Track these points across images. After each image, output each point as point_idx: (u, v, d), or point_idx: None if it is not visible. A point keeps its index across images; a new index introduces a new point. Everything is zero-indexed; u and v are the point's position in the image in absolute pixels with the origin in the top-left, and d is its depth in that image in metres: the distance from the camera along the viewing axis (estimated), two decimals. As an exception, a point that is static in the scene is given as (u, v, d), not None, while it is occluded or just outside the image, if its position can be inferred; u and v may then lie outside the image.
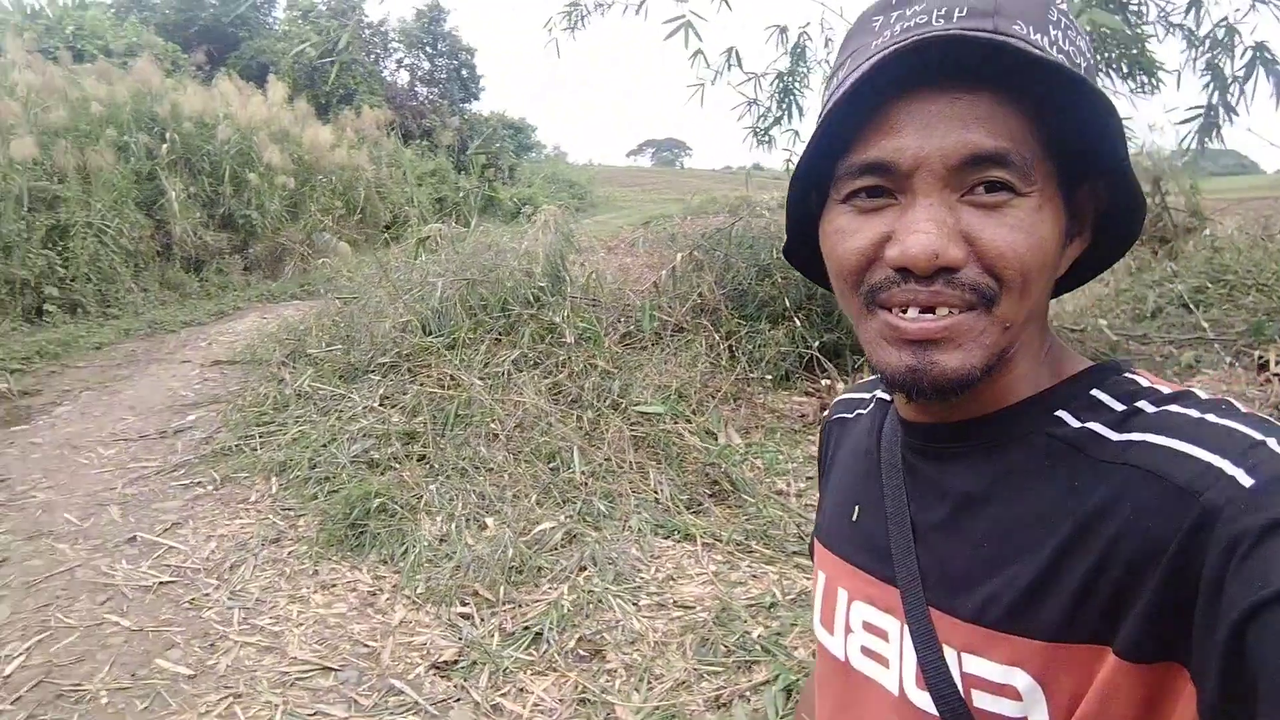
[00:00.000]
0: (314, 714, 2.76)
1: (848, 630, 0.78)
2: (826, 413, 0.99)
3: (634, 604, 3.30)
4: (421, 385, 5.13)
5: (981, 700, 0.63)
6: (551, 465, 4.37)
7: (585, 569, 3.54)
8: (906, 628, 0.70)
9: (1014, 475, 0.65)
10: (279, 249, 12.76)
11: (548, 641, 3.09)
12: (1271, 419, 0.58)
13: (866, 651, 0.75)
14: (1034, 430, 0.66)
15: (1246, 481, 0.52)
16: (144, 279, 10.33)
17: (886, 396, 0.84)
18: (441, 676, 2.97)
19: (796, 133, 6.16)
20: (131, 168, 10.99)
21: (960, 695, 0.64)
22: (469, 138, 22.15)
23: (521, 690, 2.87)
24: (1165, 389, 0.64)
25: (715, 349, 5.66)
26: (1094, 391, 0.66)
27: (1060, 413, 0.66)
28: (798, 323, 6.09)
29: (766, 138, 6.34)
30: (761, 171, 9.86)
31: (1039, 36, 0.60)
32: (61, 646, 3.11)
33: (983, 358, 0.62)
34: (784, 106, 6.17)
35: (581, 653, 3.05)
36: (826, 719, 0.82)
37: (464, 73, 27.15)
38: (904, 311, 0.63)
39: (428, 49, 26.04)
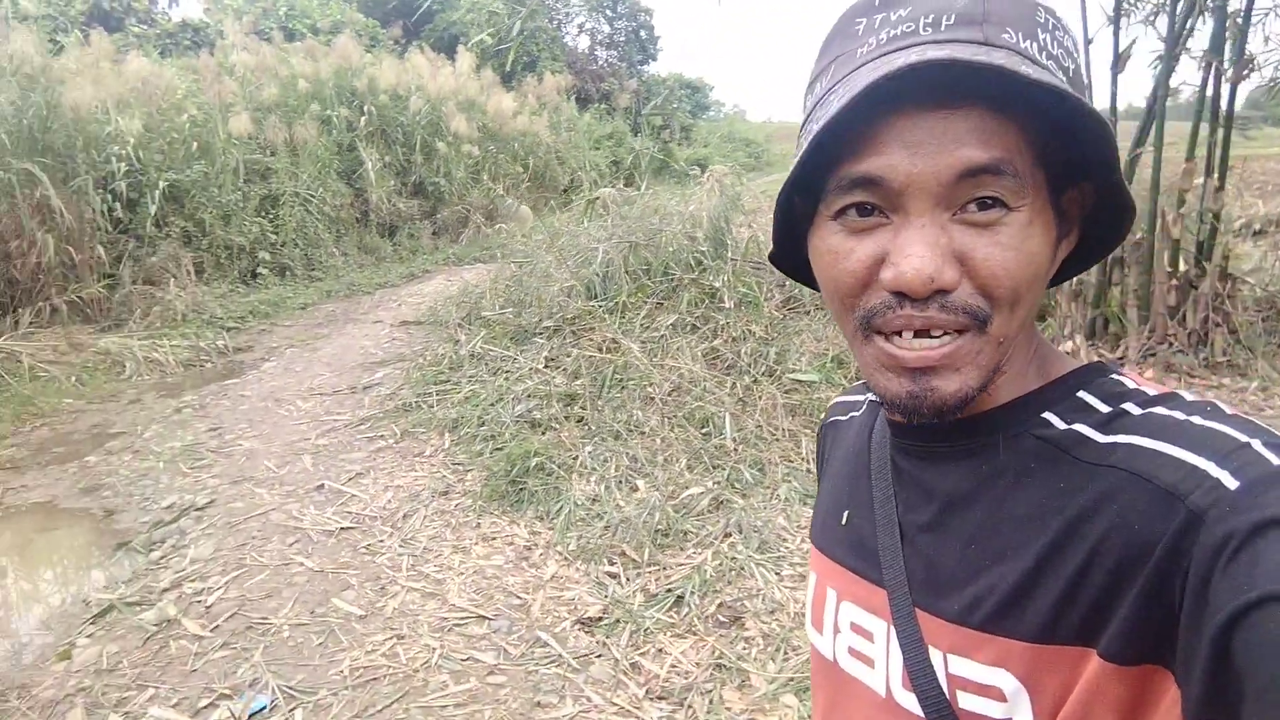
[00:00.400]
0: (466, 659, 2.94)
1: (836, 631, 0.79)
2: (824, 415, 0.99)
3: (776, 573, 3.29)
4: (583, 349, 5.27)
5: (967, 701, 0.63)
6: (704, 430, 4.40)
7: (730, 535, 3.56)
8: (893, 629, 0.70)
9: (1000, 477, 0.65)
10: (464, 214, 13.41)
11: (689, 605, 3.14)
12: (1256, 420, 0.57)
13: (853, 652, 0.76)
14: (1021, 432, 0.66)
15: (1232, 484, 0.51)
16: (344, 244, 11.14)
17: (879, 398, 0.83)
18: (585, 632, 3.08)
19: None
20: (334, 140, 11.83)
21: (945, 696, 0.65)
22: (646, 100, 22.27)
23: (660, 651, 2.94)
24: (1151, 391, 0.64)
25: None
26: (1080, 393, 0.66)
27: (1047, 414, 0.66)
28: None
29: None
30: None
31: (1028, 43, 0.59)
32: (254, 582, 3.46)
33: (979, 378, 0.63)
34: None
35: (721, 618, 3.08)
36: (819, 718, 0.83)
37: (642, 34, 27.26)
38: (899, 335, 0.62)
39: (607, 12, 26.30)
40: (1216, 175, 4.69)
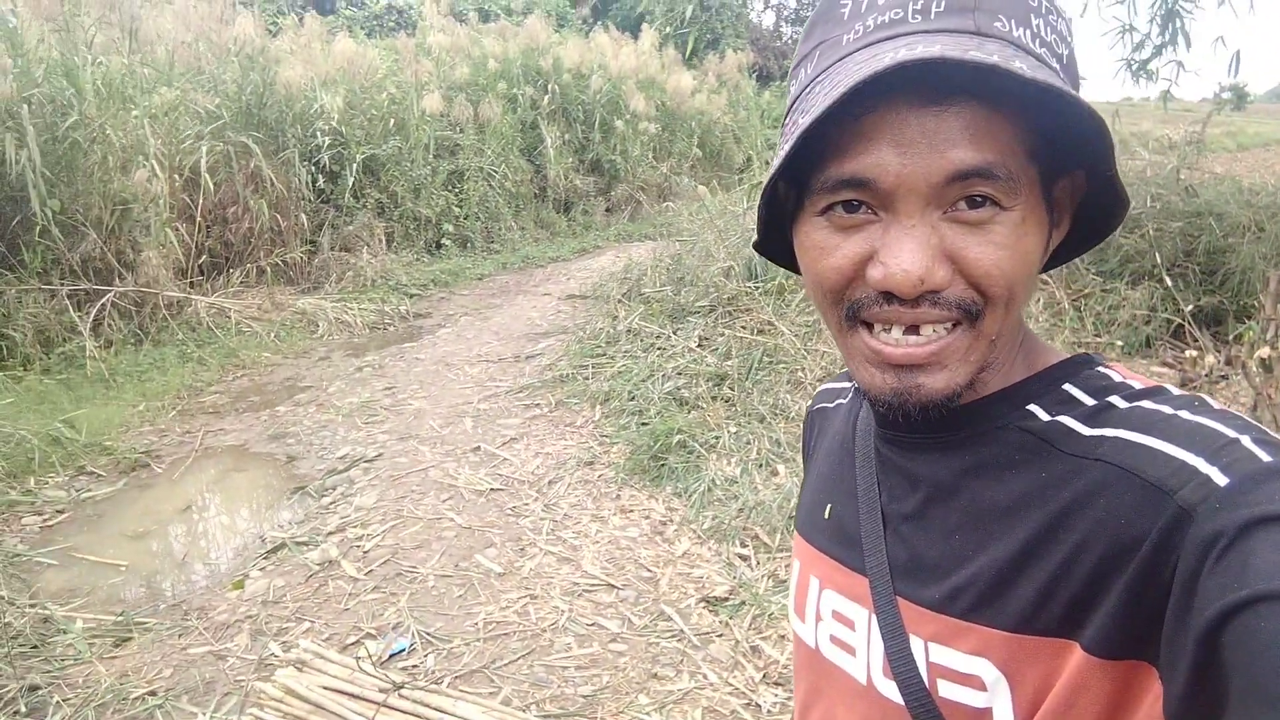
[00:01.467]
0: (592, 624, 3.04)
1: (818, 619, 0.78)
2: (810, 402, 0.97)
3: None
4: (735, 330, 5.27)
5: (947, 690, 0.63)
6: (851, 419, 4.29)
7: (866, 528, 3.47)
8: (874, 616, 0.70)
9: (985, 467, 0.65)
10: (639, 191, 13.61)
11: (816, 594, 3.10)
12: (1244, 416, 0.56)
13: (835, 640, 0.76)
14: (1005, 423, 0.65)
15: (1221, 480, 0.51)
16: (522, 218, 11.58)
17: None
18: (710, 610, 3.11)
19: (1180, 64, 5.27)
20: (518, 118, 12.27)
21: (924, 684, 0.64)
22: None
23: (781, 637, 2.92)
24: (1137, 384, 0.63)
25: (1055, 305, 5.14)
26: (1066, 385, 0.65)
27: (1032, 406, 0.65)
28: (1169, 282, 5.30)
29: (1143, 71, 5.49)
30: (1132, 105, 8.59)
31: (1021, 31, 0.57)
32: (408, 533, 3.71)
33: (967, 374, 0.62)
34: (1167, 33, 5.30)
35: (848, 611, 3.02)
36: (800, 705, 0.83)
37: (831, 9, 26.51)
38: (886, 329, 0.61)
39: (796, -13, 25.77)
40: None
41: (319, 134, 8.97)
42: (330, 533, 3.74)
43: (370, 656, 2.76)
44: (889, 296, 0.59)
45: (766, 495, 3.73)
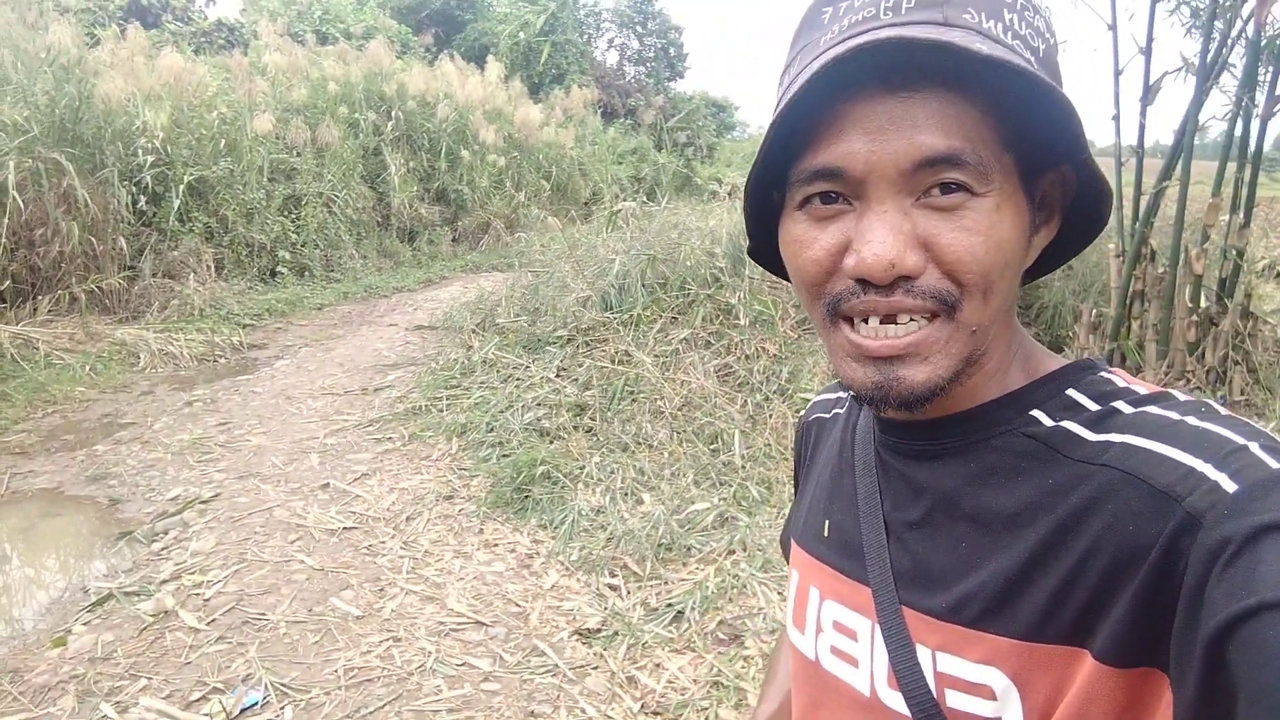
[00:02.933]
0: (462, 664, 2.91)
1: (818, 630, 0.77)
2: (803, 413, 0.97)
3: (779, 593, 3.25)
4: (595, 360, 5.26)
5: (955, 700, 0.62)
6: (712, 447, 4.37)
7: (734, 553, 3.52)
8: (878, 627, 0.69)
9: (990, 475, 0.64)
10: (485, 222, 13.46)
11: (689, 621, 3.10)
12: (1251, 423, 0.56)
13: (836, 651, 0.74)
14: (1009, 429, 0.65)
15: (1230, 487, 0.50)
16: (364, 247, 11.20)
17: None
18: (583, 643, 3.05)
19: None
20: (360, 143, 11.92)
21: (932, 694, 0.63)
22: (671, 116, 22.35)
23: (658, 666, 2.90)
24: (1142, 389, 0.63)
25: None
26: (1069, 391, 0.65)
27: (1035, 412, 0.65)
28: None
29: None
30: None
31: (992, 23, 0.58)
32: (254, 578, 3.45)
33: (950, 367, 0.62)
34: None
35: (721, 636, 3.04)
36: (799, 718, 0.82)
37: (671, 51, 27.39)
38: (865, 322, 0.62)
39: (638, 28, 26.47)
40: (1242, 212, 4.63)
41: (141, 152, 8.37)
42: (164, 580, 3.42)
43: (224, 712, 2.53)
44: (865, 285, 0.60)
45: (634, 524, 3.71)
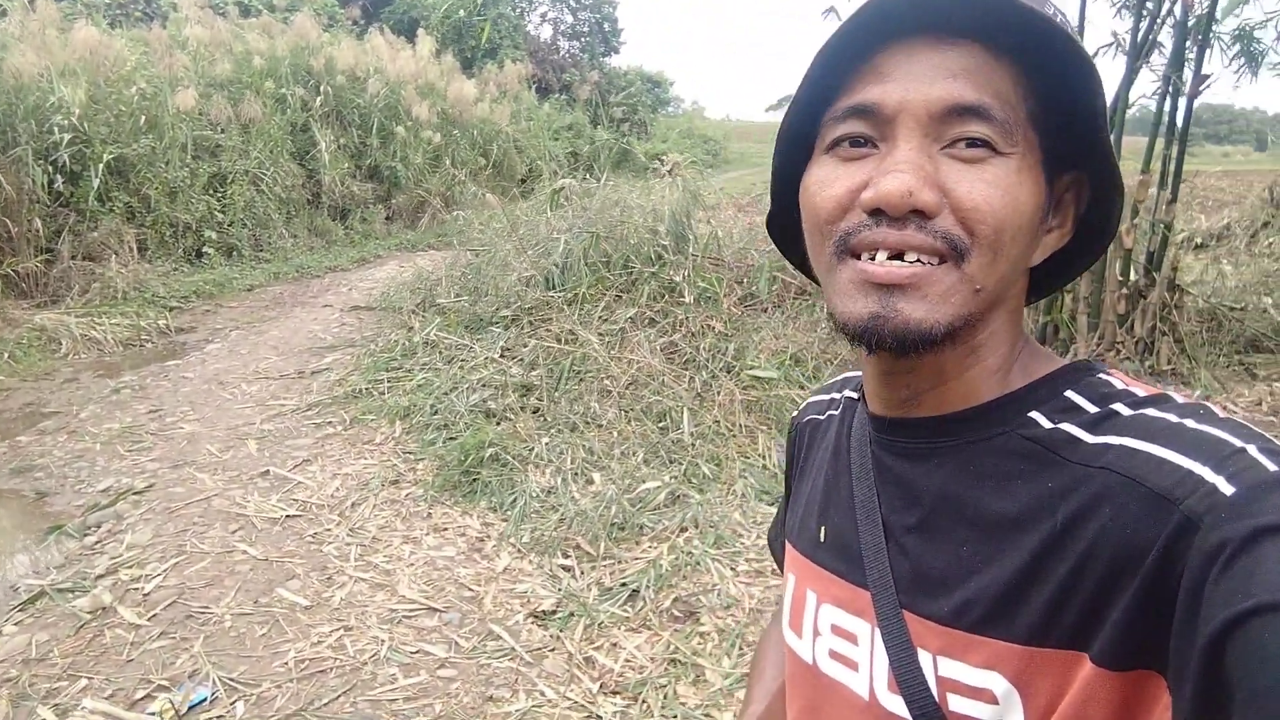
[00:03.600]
0: (417, 652, 2.87)
1: (816, 634, 0.77)
2: (796, 414, 0.97)
3: (732, 569, 3.28)
4: (540, 339, 5.21)
5: (957, 704, 0.62)
6: (661, 425, 4.37)
7: (686, 530, 3.53)
8: (878, 631, 0.68)
9: (989, 477, 0.64)
10: (420, 200, 13.21)
11: (644, 599, 3.11)
12: (1249, 425, 0.57)
13: (835, 655, 0.74)
14: (1007, 431, 0.65)
15: (1227, 489, 0.51)
16: (294, 226, 10.89)
17: (855, 395, 0.83)
18: (539, 625, 3.03)
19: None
20: (287, 119, 11.55)
21: (934, 699, 0.63)
22: (607, 92, 22.18)
23: (614, 645, 2.90)
24: (1140, 391, 0.63)
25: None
26: (1068, 393, 0.65)
27: (1033, 413, 0.65)
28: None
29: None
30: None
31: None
32: (195, 570, 3.35)
33: (948, 315, 0.61)
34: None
35: (676, 613, 3.05)
36: None
37: (605, 26, 27.14)
38: (872, 256, 0.61)
39: (571, 3, 26.14)
40: (1169, 188, 4.79)
41: (57, 130, 7.98)
42: (100, 576, 3.30)
43: (172, 709, 2.45)
44: (878, 218, 0.60)
45: (586, 504, 3.70)
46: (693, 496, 3.77)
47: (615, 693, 2.68)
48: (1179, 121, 4.67)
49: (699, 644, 2.87)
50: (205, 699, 2.58)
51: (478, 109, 15.15)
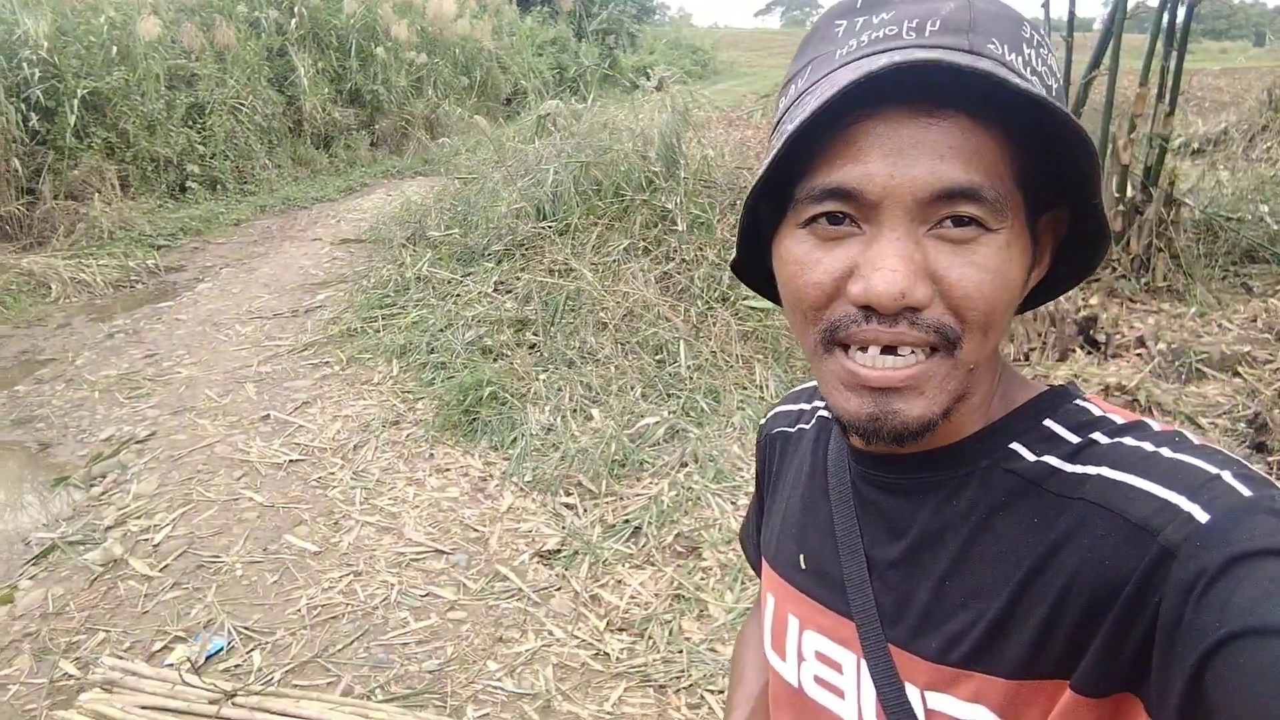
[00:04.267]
0: (426, 594, 2.94)
1: (800, 659, 0.77)
2: (764, 423, 0.96)
3: (732, 503, 3.33)
4: (533, 273, 5.17)
5: None
6: (658, 358, 4.38)
7: (686, 465, 3.58)
8: (864, 662, 0.69)
9: (973, 512, 0.64)
10: (404, 125, 12.93)
11: (646, 536, 3.17)
12: (1224, 450, 0.57)
13: (820, 681, 0.75)
14: (990, 464, 0.65)
15: (1203, 517, 0.51)
16: (277, 156, 10.68)
17: (828, 412, 0.81)
18: (544, 564, 3.10)
19: None
20: (263, 44, 11.21)
21: None
22: (589, 3, 21.49)
23: (619, 582, 2.97)
24: (1118, 419, 0.63)
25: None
26: (1047, 422, 0.65)
27: (1015, 445, 0.65)
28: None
29: None
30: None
31: (1013, 56, 0.57)
32: (203, 519, 3.39)
33: (944, 403, 0.61)
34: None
35: (679, 549, 3.12)
36: None
37: (587, -69, 26.12)
38: (863, 350, 0.60)
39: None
40: (1167, 99, 4.71)
41: (26, 65, 7.74)
42: (109, 527, 3.35)
43: (189, 661, 2.52)
44: (868, 314, 0.58)
45: (585, 441, 3.74)
46: (691, 431, 3.80)
47: (621, 629, 2.76)
48: (1178, 26, 4.57)
49: (702, 579, 2.94)
50: (222, 648, 2.65)
51: (458, 26, 14.68)
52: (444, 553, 3.18)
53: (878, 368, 0.59)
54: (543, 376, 4.30)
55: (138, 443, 4.06)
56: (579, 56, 18.38)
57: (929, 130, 0.55)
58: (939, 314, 0.57)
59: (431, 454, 3.89)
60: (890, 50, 0.56)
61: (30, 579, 3.05)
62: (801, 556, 0.78)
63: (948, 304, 0.57)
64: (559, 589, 2.96)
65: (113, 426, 4.25)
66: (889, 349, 0.59)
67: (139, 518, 3.40)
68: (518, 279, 5.21)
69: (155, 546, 3.21)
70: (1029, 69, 0.57)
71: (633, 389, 4.15)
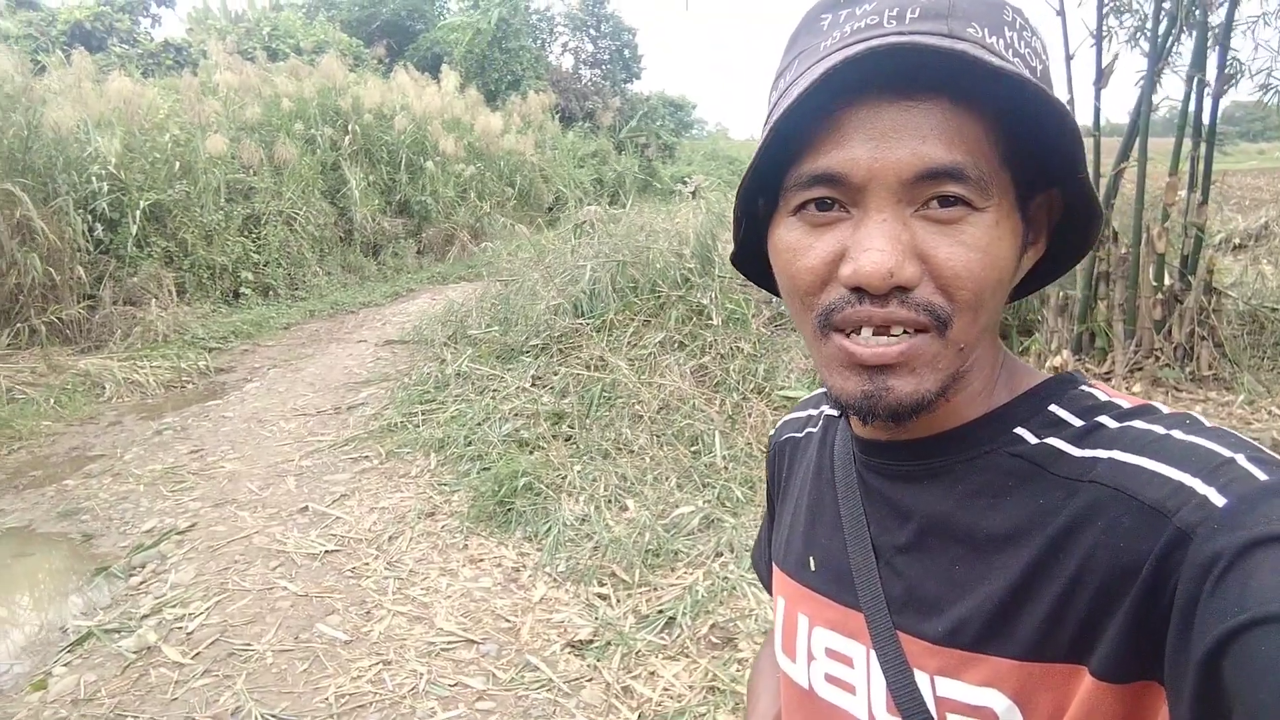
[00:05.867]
0: (455, 684, 2.88)
1: (810, 658, 0.76)
2: (773, 433, 0.97)
3: (770, 594, 3.24)
4: (570, 367, 5.24)
5: None
6: (693, 449, 4.36)
7: (721, 555, 3.52)
8: (873, 653, 0.68)
9: (978, 495, 0.64)
10: (449, 233, 13.38)
11: (680, 626, 3.09)
12: (1236, 433, 0.57)
13: (831, 679, 0.74)
14: (994, 448, 0.65)
15: (1219, 501, 0.51)
16: (328, 263, 11.08)
17: (834, 412, 0.83)
18: (576, 655, 3.03)
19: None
20: (317, 159, 11.79)
21: (933, 718, 0.63)
22: (629, 118, 22.34)
23: (652, 674, 2.89)
24: (1125, 403, 0.63)
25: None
26: (1052, 407, 0.65)
27: (1019, 429, 0.65)
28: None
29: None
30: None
31: (994, 40, 0.58)
32: (237, 608, 3.39)
33: (937, 382, 0.61)
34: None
35: (713, 640, 3.04)
36: None
37: (626, 53, 27.37)
38: (857, 332, 0.61)
39: (591, 31, 26.43)
40: (1200, 189, 4.72)
41: (94, 179, 8.22)
42: (145, 615, 3.35)
43: (214, 750, 2.48)
44: (859, 295, 0.59)
45: (620, 531, 3.70)
46: (727, 520, 3.75)
47: (654, 722, 2.67)
48: (1205, 121, 4.62)
49: (737, 670, 2.85)
50: (248, 737, 2.61)
51: (503, 140, 15.34)
52: (474, 642, 3.13)
53: (871, 345, 0.60)
54: (578, 468, 4.29)
55: (178, 534, 4.10)
56: (618, 167, 18.99)
57: (910, 113, 0.57)
58: (929, 293, 0.58)
59: (465, 545, 3.87)
60: (871, 39, 0.58)
61: (65, 665, 3.05)
62: (810, 550, 0.78)
63: (937, 283, 0.58)
64: (590, 680, 2.89)
65: (155, 518, 4.31)
66: (881, 329, 0.60)
67: (174, 606, 3.41)
68: (555, 373, 5.28)
69: (189, 634, 3.21)
70: (1010, 51, 0.58)
71: (668, 479, 4.13)
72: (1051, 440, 0.62)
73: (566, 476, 4.24)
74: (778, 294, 0.70)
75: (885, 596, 0.68)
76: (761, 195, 0.68)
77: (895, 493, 0.70)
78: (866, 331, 0.60)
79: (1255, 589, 0.46)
